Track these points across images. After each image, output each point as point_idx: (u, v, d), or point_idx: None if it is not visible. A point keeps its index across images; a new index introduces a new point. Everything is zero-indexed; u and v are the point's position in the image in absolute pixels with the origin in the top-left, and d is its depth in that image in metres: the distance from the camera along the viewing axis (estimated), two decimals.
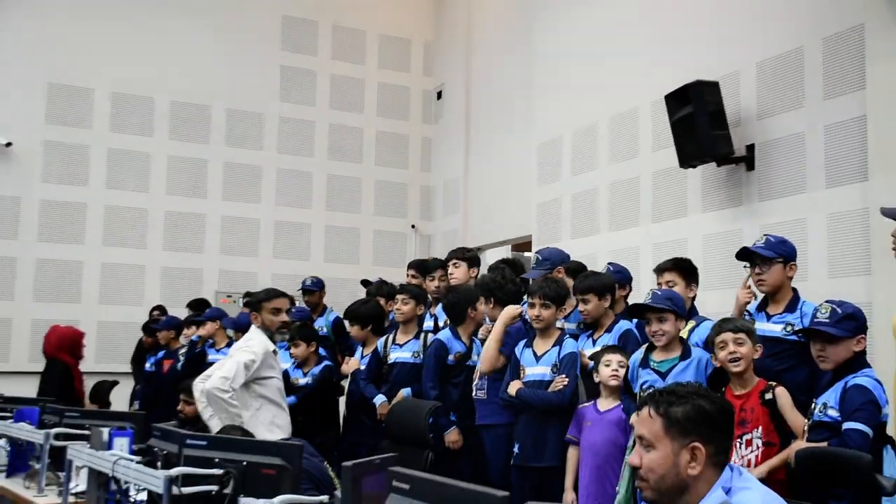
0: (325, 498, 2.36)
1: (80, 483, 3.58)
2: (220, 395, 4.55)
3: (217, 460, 2.72)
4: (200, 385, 4.85)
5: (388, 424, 5.14)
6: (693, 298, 4.43)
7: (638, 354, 4.09)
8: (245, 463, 2.69)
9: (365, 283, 7.90)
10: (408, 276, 7.06)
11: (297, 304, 8.31)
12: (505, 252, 10.70)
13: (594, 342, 4.67)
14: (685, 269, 4.40)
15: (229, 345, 6.65)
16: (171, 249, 10.42)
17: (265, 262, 10.95)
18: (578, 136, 9.11)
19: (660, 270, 4.46)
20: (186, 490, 2.65)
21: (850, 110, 6.25)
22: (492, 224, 10.72)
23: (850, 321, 3.40)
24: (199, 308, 8.60)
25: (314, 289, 7.98)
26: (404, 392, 5.49)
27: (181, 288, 10.21)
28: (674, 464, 2.14)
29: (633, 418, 3.57)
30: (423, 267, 6.85)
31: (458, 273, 6.03)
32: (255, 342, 4.93)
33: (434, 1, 12.43)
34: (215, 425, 4.44)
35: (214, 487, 2.66)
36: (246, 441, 2.99)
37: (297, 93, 11.39)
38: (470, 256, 6.25)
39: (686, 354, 3.93)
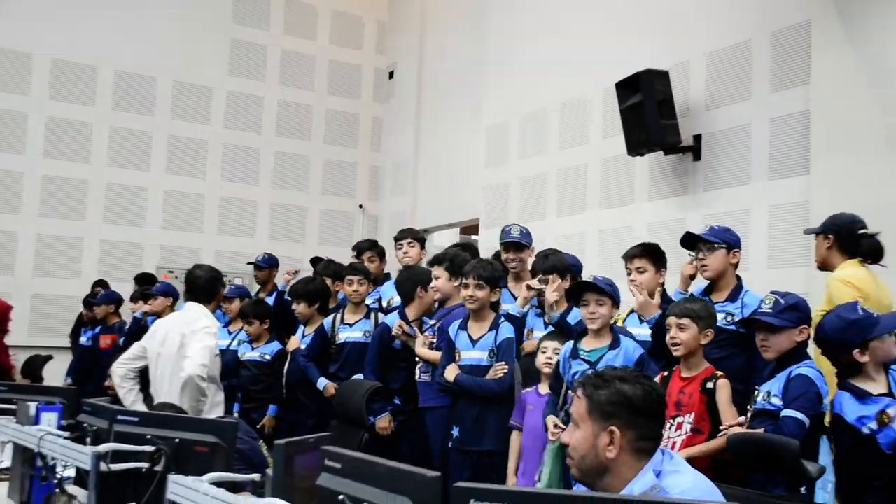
0: (256, 476, 2.31)
1: (4, 459, 3.46)
2: (200, 383, 4.42)
3: (149, 437, 2.64)
4: (120, 370, 4.75)
5: (334, 404, 5.11)
6: (662, 284, 4.42)
7: (568, 346, 4.07)
8: (177, 440, 2.62)
9: (315, 261, 7.81)
10: (352, 257, 7.02)
11: (240, 281, 8.23)
12: (452, 234, 10.68)
13: (546, 325, 4.67)
14: (654, 255, 4.36)
15: None
16: (111, 222, 10.14)
17: (209, 239, 10.75)
18: (528, 120, 9.11)
19: (629, 257, 4.39)
20: (115, 467, 2.57)
21: (795, 104, 6.34)
22: (440, 206, 10.68)
23: (793, 312, 3.43)
24: (146, 283, 8.40)
25: (264, 265, 7.86)
26: (357, 378, 5.44)
27: (120, 262, 9.97)
28: (593, 445, 2.18)
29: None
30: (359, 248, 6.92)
31: (413, 252, 6.00)
32: (212, 323, 4.83)
33: None
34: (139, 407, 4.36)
35: (145, 465, 2.58)
36: (179, 418, 2.91)
37: (246, 67, 11.16)
38: (422, 238, 6.26)
39: (615, 343, 3.93)
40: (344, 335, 5.72)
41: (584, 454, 2.19)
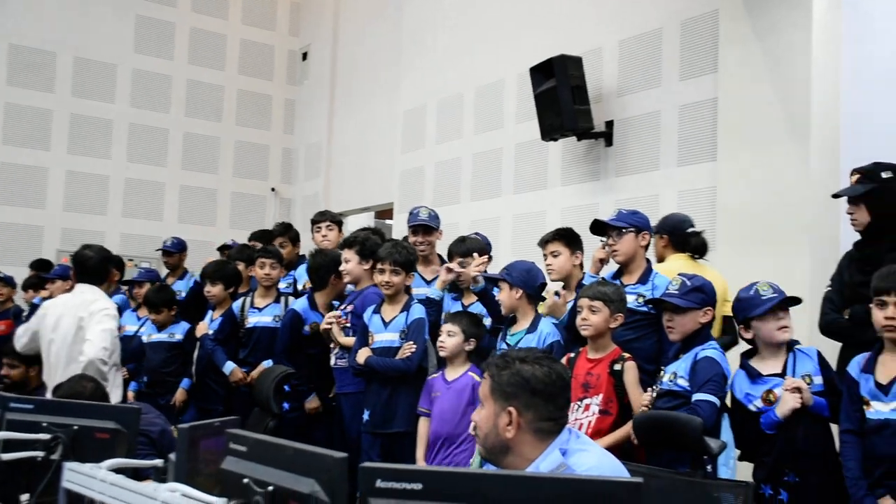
0: (159, 462, 2.24)
1: None
2: (101, 367, 4.30)
3: (45, 424, 2.54)
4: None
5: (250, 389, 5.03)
6: (580, 266, 4.50)
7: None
8: (76, 427, 2.52)
9: (222, 248, 7.66)
10: (252, 244, 6.98)
11: (147, 265, 8.00)
12: (367, 218, 10.62)
13: (463, 307, 4.69)
14: (567, 238, 4.45)
15: None
16: (7, 204, 9.73)
17: (114, 221, 10.42)
18: (444, 105, 9.10)
19: (543, 242, 4.50)
20: (7, 456, 2.46)
21: (704, 92, 6.49)
22: (354, 190, 10.61)
23: (698, 293, 3.51)
24: (42, 269, 8.09)
25: (173, 250, 7.65)
26: (265, 364, 5.35)
27: (19, 245, 9.58)
28: (494, 425, 2.21)
29: None
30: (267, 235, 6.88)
31: (332, 235, 5.93)
32: (110, 305, 4.68)
33: None
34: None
35: (41, 453, 2.49)
36: (77, 404, 2.79)
37: (153, 45, 10.85)
38: (339, 221, 6.20)
39: (533, 327, 3.98)
40: (253, 319, 5.62)
41: (486, 433, 2.22)
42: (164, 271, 7.93)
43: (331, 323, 4.85)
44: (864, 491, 3.07)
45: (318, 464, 1.60)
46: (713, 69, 6.37)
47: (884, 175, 3.72)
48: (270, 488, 1.66)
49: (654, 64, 6.91)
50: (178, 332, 6.09)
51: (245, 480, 1.69)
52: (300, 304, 5.20)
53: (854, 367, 3.24)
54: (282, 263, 5.79)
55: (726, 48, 6.16)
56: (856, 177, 3.84)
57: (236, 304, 5.72)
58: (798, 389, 3.23)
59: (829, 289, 3.85)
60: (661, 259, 4.74)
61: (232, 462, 1.76)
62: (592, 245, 4.66)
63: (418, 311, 4.52)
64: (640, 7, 7.06)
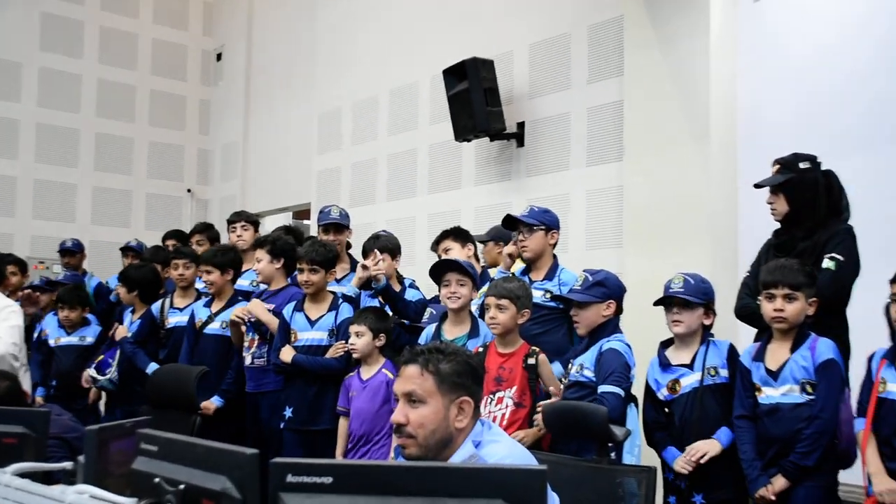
0: (68, 465, 2.19)
1: None
2: (13, 362, 4.21)
3: None
4: None
5: (149, 390, 4.84)
6: (473, 256, 4.57)
7: (429, 331, 4.10)
8: None
9: (125, 249, 7.44)
10: (166, 244, 6.88)
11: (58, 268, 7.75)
12: (284, 218, 10.50)
13: (381, 304, 4.69)
14: (456, 234, 4.53)
15: None
16: None
17: (22, 223, 10.05)
18: (359, 106, 9.08)
19: (436, 243, 4.58)
20: None
21: (610, 95, 6.63)
22: (271, 191, 10.48)
23: (599, 287, 3.58)
24: None
25: (75, 250, 7.44)
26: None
27: None
28: (444, 417, 2.17)
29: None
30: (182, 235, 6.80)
31: (247, 235, 5.84)
32: (12, 302, 4.62)
33: None
34: None
35: None
36: None
37: (61, 43, 10.45)
38: (255, 221, 6.13)
39: (475, 331, 3.97)
40: (174, 319, 5.51)
41: (434, 428, 2.15)
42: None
43: (240, 318, 4.80)
44: (758, 471, 3.19)
45: (229, 460, 1.59)
46: (619, 73, 6.51)
47: (801, 165, 3.74)
48: (182, 486, 1.64)
49: (563, 67, 7.03)
50: (88, 334, 5.93)
51: (156, 480, 1.67)
52: (199, 307, 5.19)
53: (746, 356, 3.36)
54: (196, 263, 5.68)
55: (631, 53, 6.29)
56: (776, 167, 3.86)
57: (156, 306, 5.61)
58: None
59: (748, 274, 3.86)
60: (493, 264, 4.91)
61: (143, 462, 1.73)
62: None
63: (347, 311, 4.51)
64: (550, 12, 7.17)
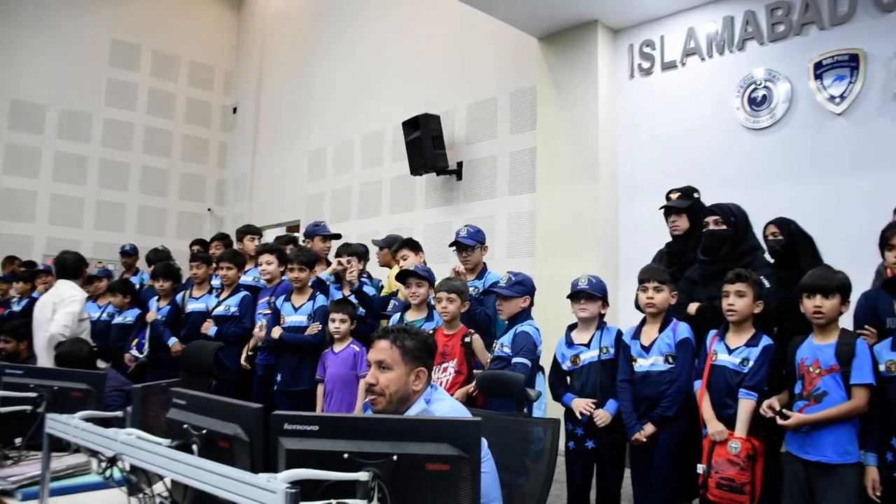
0: (120, 413, 2.13)
1: None
2: (61, 339, 4.14)
3: (32, 386, 2.43)
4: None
5: (182, 359, 4.71)
6: (424, 262, 4.51)
7: (395, 317, 4.02)
8: (56, 387, 2.42)
9: (123, 253, 7.34)
10: (192, 249, 6.69)
11: (112, 267, 7.52)
12: (280, 231, 10.35)
13: (343, 295, 4.62)
14: (411, 244, 4.47)
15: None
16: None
17: (87, 233, 10.07)
18: (339, 147, 9.00)
19: (394, 252, 4.52)
20: (4, 410, 2.35)
21: (526, 143, 6.67)
22: (271, 210, 10.32)
23: (519, 286, 3.53)
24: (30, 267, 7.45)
25: (132, 252, 7.33)
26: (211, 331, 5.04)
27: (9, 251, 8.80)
28: (405, 381, 2.11)
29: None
30: (204, 243, 6.64)
31: (252, 245, 5.73)
32: (77, 293, 4.53)
33: (235, 37, 11.75)
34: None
35: (29, 407, 2.39)
36: (56, 370, 2.78)
37: (121, 100, 10.50)
38: (259, 232, 6.03)
39: (430, 316, 3.90)
40: (191, 307, 5.37)
41: (396, 390, 2.10)
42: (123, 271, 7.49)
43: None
44: (634, 421, 3.18)
45: (240, 413, 1.57)
46: (533, 127, 6.56)
47: (695, 195, 3.80)
48: (204, 431, 1.63)
49: (491, 122, 7.07)
50: (130, 316, 5.78)
51: (185, 426, 1.64)
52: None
53: (627, 335, 3.36)
54: (208, 264, 5.55)
55: (542, 112, 6.33)
56: (676, 194, 3.81)
57: (178, 296, 5.46)
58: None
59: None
60: (387, 265, 4.80)
61: (175, 412, 1.70)
62: (427, 258, 4.71)
63: (322, 300, 4.46)
64: (482, 81, 7.21)
